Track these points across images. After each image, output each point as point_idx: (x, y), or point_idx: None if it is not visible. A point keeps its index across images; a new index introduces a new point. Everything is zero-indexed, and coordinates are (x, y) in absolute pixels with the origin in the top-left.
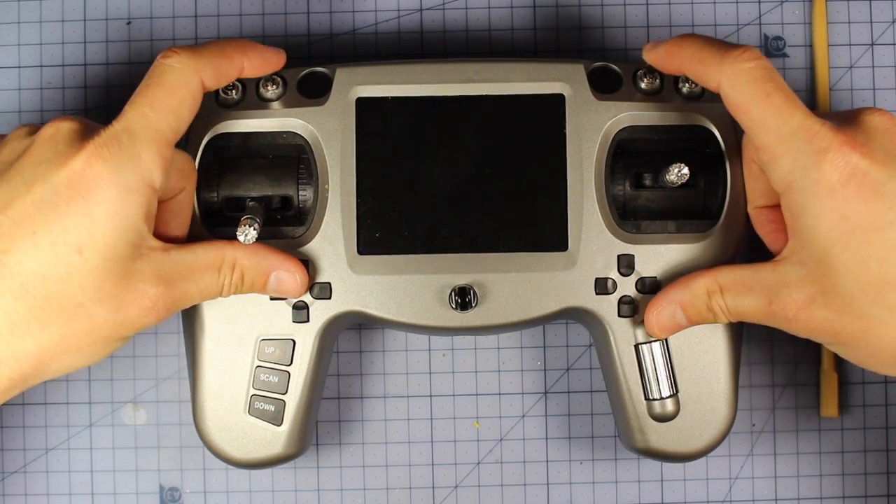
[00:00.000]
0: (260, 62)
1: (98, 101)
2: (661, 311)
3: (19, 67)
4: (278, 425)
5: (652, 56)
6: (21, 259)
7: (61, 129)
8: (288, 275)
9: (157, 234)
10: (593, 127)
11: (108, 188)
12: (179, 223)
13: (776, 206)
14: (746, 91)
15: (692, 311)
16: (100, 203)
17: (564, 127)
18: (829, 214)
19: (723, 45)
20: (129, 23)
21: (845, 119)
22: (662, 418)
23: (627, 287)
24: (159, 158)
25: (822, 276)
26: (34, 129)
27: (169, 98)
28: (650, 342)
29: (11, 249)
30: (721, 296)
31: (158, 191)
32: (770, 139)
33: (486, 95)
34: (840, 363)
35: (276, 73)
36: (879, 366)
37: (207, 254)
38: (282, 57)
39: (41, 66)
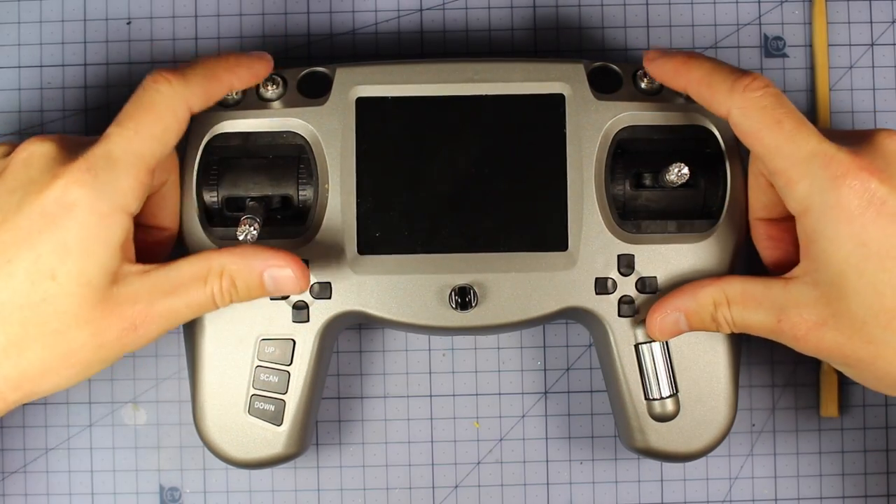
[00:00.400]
0: (248, 76)
1: (98, 101)
2: (664, 317)
3: (19, 67)
4: (278, 425)
5: (656, 70)
6: None
7: (35, 153)
8: (280, 271)
9: (148, 227)
10: (593, 127)
11: (82, 214)
12: (168, 214)
13: (776, 220)
14: (757, 118)
15: (696, 320)
16: (72, 230)
17: (564, 127)
18: (847, 240)
19: (731, 73)
20: (129, 23)
21: (860, 141)
22: (662, 418)
23: (627, 287)
24: (137, 185)
25: (835, 300)
26: (7, 149)
27: (155, 125)
28: (650, 342)
29: None
30: (728, 308)
31: (134, 213)
32: (785, 164)
33: (486, 95)
34: None
35: (276, 73)
36: (885, 388)
37: (192, 266)
38: (269, 64)
39: (41, 66)
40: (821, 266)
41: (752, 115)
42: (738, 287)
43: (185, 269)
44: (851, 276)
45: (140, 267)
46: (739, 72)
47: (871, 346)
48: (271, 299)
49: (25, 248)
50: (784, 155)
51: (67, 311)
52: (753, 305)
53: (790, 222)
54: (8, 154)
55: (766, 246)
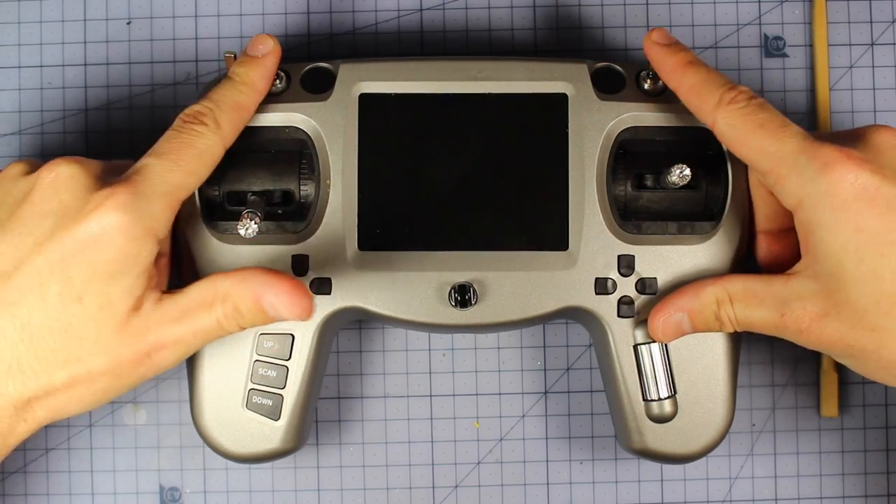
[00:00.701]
0: (267, 86)
1: (98, 101)
2: (667, 318)
3: (19, 67)
4: (276, 420)
5: (654, 56)
6: (31, 311)
7: (62, 174)
8: (276, 298)
9: None
10: (596, 127)
11: (116, 238)
12: (165, 239)
13: (779, 233)
14: (740, 125)
15: (699, 320)
16: (104, 253)
17: (567, 126)
18: (843, 227)
19: (720, 86)
20: (129, 23)
21: (850, 138)
22: (660, 419)
23: (627, 287)
24: (169, 213)
25: (836, 290)
26: (27, 168)
27: (195, 161)
28: (649, 343)
29: (21, 302)
30: (731, 305)
31: (161, 239)
32: (772, 162)
33: (490, 94)
34: (840, 363)
35: (280, 69)
36: (890, 379)
37: (200, 291)
38: (278, 55)
39: (41, 66)
40: (819, 257)
41: (735, 123)
42: (740, 284)
43: (193, 294)
44: (850, 264)
45: (156, 294)
46: (728, 85)
47: (874, 333)
48: None
49: (59, 271)
50: (769, 154)
51: (88, 336)
52: (756, 302)
53: (792, 235)
54: (28, 172)
55: (768, 262)
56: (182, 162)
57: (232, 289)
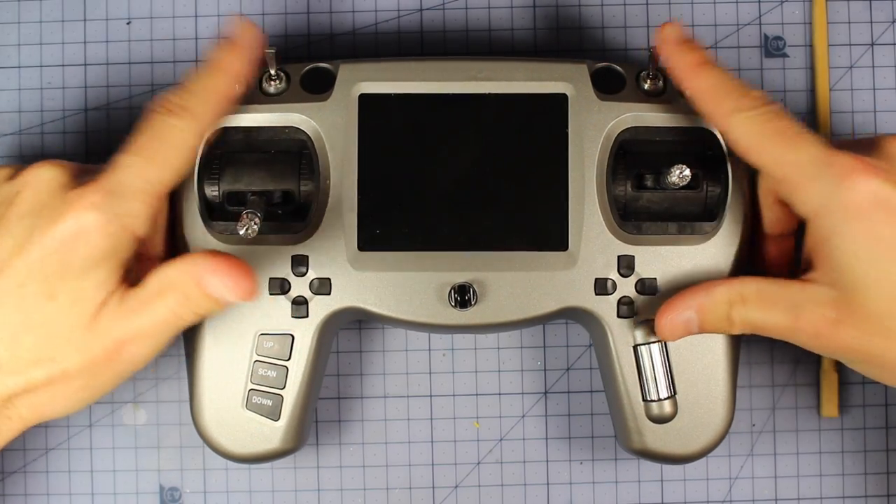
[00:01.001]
0: (247, 73)
1: (98, 101)
2: (677, 315)
3: (19, 67)
4: (276, 420)
5: (667, 54)
6: (10, 311)
7: (43, 177)
8: (217, 280)
9: (140, 257)
10: (596, 127)
11: (92, 236)
12: (157, 243)
13: (779, 237)
14: (757, 132)
15: (708, 319)
16: (80, 251)
17: (567, 127)
18: (861, 236)
19: (735, 89)
20: (129, 23)
21: (865, 147)
22: (660, 420)
23: (627, 288)
24: (148, 209)
25: (852, 297)
26: (10, 172)
27: (170, 154)
28: (649, 343)
29: (1, 303)
30: (743, 307)
31: (141, 237)
32: (789, 171)
33: (490, 94)
34: (840, 363)
35: (280, 69)
36: None
37: (155, 281)
38: (258, 43)
39: (41, 66)
40: (835, 265)
41: (751, 130)
42: (754, 287)
43: (149, 285)
44: (867, 272)
45: (124, 288)
46: (743, 90)
47: (889, 341)
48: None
49: (37, 271)
50: (788, 162)
51: (61, 335)
52: (769, 305)
53: (789, 239)
54: (12, 177)
55: (765, 265)
56: (157, 157)
57: (178, 276)
